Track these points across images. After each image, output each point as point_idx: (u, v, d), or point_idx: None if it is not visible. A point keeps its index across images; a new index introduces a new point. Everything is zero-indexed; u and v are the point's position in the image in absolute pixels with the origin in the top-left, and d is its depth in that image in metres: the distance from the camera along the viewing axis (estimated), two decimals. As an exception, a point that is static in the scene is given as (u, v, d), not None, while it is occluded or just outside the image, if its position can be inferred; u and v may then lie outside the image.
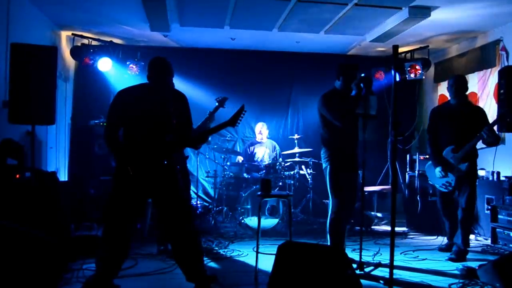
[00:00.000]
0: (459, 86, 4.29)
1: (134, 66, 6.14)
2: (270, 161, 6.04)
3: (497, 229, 4.72)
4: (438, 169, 4.29)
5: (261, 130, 6.40)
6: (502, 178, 5.05)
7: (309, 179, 6.06)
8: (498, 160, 4.74)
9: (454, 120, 4.26)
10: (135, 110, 3.10)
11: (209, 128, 3.27)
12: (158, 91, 3.17)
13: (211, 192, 6.61)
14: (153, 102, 3.12)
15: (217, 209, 5.88)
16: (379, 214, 6.41)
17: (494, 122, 4.10)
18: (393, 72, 2.93)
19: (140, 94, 3.15)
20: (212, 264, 3.92)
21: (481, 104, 5.82)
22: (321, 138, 3.95)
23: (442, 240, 4.68)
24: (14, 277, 2.64)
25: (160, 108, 3.12)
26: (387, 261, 2.87)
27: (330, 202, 3.86)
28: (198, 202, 6.57)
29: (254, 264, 3.59)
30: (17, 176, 3.71)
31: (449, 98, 4.44)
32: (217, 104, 4.71)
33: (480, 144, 4.21)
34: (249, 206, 5.42)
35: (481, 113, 4.33)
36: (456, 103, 4.32)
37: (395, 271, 3.02)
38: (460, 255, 4.15)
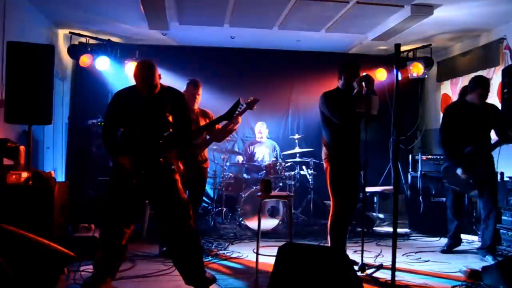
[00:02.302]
0: (488, 90, 4.21)
1: (132, 65, 6.07)
2: (270, 161, 5.99)
3: (501, 231, 4.67)
4: (459, 170, 4.14)
5: (261, 129, 6.36)
6: (506, 179, 4.99)
7: (310, 180, 6.00)
8: (501, 161, 4.68)
9: (476, 119, 4.16)
10: (132, 111, 3.08)
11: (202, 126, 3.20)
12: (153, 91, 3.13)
13: (211, 193, 6.55)
14: (149, 102, 3.09)
15: (217, 210, 5.83)
16: (381, 215, 6.36)
17: None
18: (395, 71, 2.87)
19: (136, 95, 3.11)
20: (212, 266, 3.87)
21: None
22: (322, 137, 3.91)
23: (447, 241, 4.61)
24: (12, 278, 2.60)
25: (156, 108, 3.10)
26: (389, 263, 2.81)
27: (331, 203, 3.80)
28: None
29: (254, 265, 3.55)
30: (14, 176, 3.67)
31: (469, 96, 4.25)
32: (244, 105, 4.45)
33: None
34: (249, 207, 5.36)
35: (496, 109, 4.29)
36: (477, 102, 4.20)
37: (397, 273, 2.96)
38: (494, 251, 4.20)
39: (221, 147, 6.13)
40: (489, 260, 4.06)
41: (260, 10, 5.19)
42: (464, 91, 4.34)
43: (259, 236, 3.62)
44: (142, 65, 3.09)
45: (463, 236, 4.65)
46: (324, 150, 3.87)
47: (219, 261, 4.08)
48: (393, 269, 2.65)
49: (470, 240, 4.87)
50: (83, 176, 5.39)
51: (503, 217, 4.65)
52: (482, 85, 4.18)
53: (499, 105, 5.08)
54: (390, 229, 5.67)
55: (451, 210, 4.50)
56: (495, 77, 5.60)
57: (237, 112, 4.39)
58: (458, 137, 4.22)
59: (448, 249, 4.49)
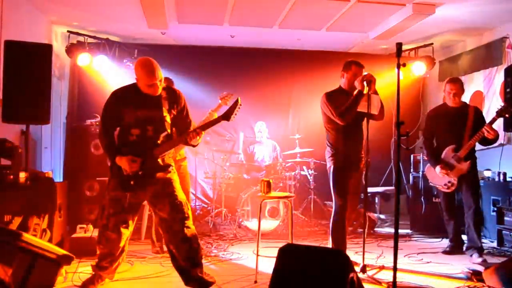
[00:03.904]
0: (459, 90, 4.29)
1: (131, 64, 6.03)
2: (270, 161, 5.95)
3: (503, 231, 4.63)
4: (437, 168, 4.27)
5: (261, 129, 6.31)
6: (508, 179, 4.95)
7: (310, 180, 5.95)
8: (504, 161, 4.65)
9: (453, 121, 4.28)
10: (129, 110, 3.03)
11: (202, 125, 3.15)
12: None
13: (210, 193, 6.52)
14: (147, 101, 3.04)
15: (216, 210, 5.79)
16: (382, 216, 6.32)
17: (493, 119, 4.03)
18: (396, 70, 2.83)
19: (135, 94, 3.06)
20: (211, 267, 3.83)
21: (487, 103, 5.73)
22: (326, 137, 3.89)
23: (448, 243, 4.57)
24: (8, 280, 2.57)
25: (153, 107, 3.05)
26: (391, 264, 2.78)
27: (333, 203, 3.77)
28: (197, 204, 6.48)
29: (254, 267, 3.52)
30: (11, 177, 3.64)
31: (446, 100, 4.39)
32: (219, 101, 4.50)
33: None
34: (249, 208, 5.32)
35: (478, 112, 4.36)
36: (451, 103, 4.32)
37: (398, 274, 2.94)
38: (481, 251, 4.14)
39: (221, 147, 6.10)
40: (477, 261, 3.98)
41: (260, 8, 5.15)
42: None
43: (259, 237, 3.60)
44: (147, 62, 2.99)
45: (465, 237, 4.60)
46: (327, 149, 3.85)
47: (219, 262, 4.04)
48: (395, 270, 2.62)
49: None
50: (81, 176, 5.34)
51: (506, 218, 4.60)
52: (449, 82, 4.29)
53: (501, 105, 5.03)
54: (392, 230, 5.64)
55: (445, 211, 4.49)
56: (498, 76, 5.55)
57: (213, 109, 4.39)
58: (439, 139, 4.41)
59: (450, 251, 4.44)
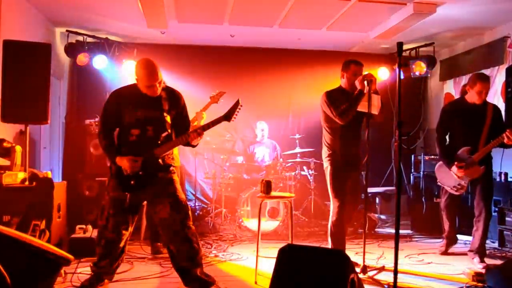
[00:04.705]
0: (487, 87, 3.99)
1: (130, 64, 6.01)
2: (270, 162, 5.93)
3: (505, 232, 4.61)
4: (454, 168, 3.99)
5: (261, 129, 6.29)
6: (509, 179, 4.93)
7: (310, 180, 5.93)
8: (505, 161, 4.61)
9: (471, 119, 4.00)
10: (129, 111, 3.02)
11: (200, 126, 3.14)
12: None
13: (210, 193, 6.50)
14: (146, 101, 3.03)
15: (216, 211, 5.77)
16: (382, 216, 6.30)
17: None
18: (397, 69, 2.81)
19: (134, 94, 3.05)
20: (211, 268, 3.81)
21: (487, 102, 5.70)
22: (323, 137, 3.86)
23: (442, 241, 4.54)
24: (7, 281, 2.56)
25: (153, 107, 3.04)
26: (391, 265, 2.77)
27: (331, 203, 3.75)
28: (197, 204, 6.46)
29: (254, 267, 3.51)
30: (10, 177, 3.63)
31: (468, 95, 4.04)
32: (209, 100, 4.44)
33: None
34: (249, 208, 5.30)
35: (497, 111, 4.07)
36: (476, 101, 3.99)
37: (399, 275, 2.93)
38: (483, 256, 3.99)
39: (221, 147, 6.07)
40: (476, 264, 3.92)
41: (260, 7, 5.13)
42: (464, 90, 4.18)
43: (259, 237, 3.58)
44: (147, 63, 2.97)
45: (467, 238, 4.58)
46: (324, 149, 3.83)
47: (219, 263, 4.02)
48: (396, 271, 2.60)
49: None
50: (80, 177, 5.33)
51: (507, 218, 4.59)
52: (480, 81, 3.94)
53: (502, 105, 5.01)
54: (392, 230, 5.62)
55: (444, 211, 4.35)
56: (499, 76, 5.54)
57: (202, 108, 4.37)
58: (453, 136, 4.15)
59: (446, 249, 4.39)
